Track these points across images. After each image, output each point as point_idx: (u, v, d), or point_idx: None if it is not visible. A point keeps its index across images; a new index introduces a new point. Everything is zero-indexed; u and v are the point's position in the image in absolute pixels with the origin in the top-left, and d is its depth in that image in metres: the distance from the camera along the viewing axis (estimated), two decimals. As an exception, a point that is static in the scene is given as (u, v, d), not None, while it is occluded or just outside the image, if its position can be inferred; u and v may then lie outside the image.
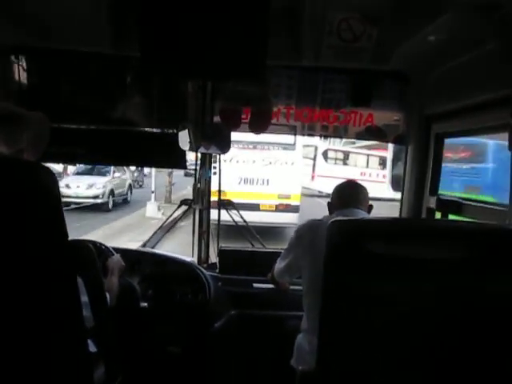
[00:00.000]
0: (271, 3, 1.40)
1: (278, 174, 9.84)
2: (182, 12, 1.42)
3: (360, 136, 2.49)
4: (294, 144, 9.81)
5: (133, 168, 17.58)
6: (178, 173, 16.06)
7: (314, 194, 16.18)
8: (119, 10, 1.77)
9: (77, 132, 2.39)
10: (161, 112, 2.43)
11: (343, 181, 2.12)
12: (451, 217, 1.94)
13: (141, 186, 20.26)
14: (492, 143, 8.58)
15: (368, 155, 17.91)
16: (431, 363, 1.07)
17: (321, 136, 2.61)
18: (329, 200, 2.06)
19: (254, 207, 9.25)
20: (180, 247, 2.86)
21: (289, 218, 9.75)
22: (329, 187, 2.24)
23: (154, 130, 2.50)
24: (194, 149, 2.29)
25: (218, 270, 2.68)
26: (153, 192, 13.64)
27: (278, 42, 1.57)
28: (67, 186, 12.79)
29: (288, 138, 9.04)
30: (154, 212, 12.63)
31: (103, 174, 14.47)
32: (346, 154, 18.05)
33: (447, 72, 1.90)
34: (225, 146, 2.31)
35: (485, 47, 1.57)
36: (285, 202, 9.88)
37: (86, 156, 2.49)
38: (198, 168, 2.75)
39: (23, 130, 1.30)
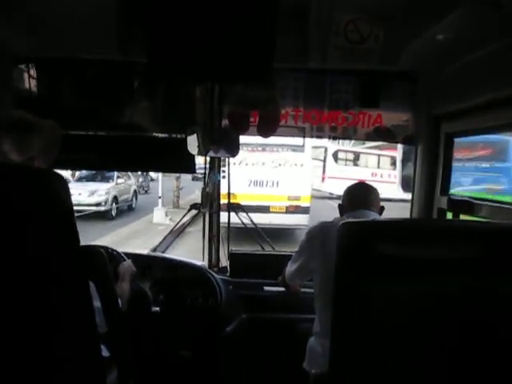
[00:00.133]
0: (278, 6, 1.40)
1: (288, 175, 9.84)
2: (189, 16, 1.42)
3: (369, 137, 2.48)
4: (303, 145, 9.81)
5: (138, 173, 17.42)
6: (186, 177, 15.78)
7: (325, 196, 16.04)
8: (126, 15, 1.78)
9: (87, 139, 2.41)
10: (169, 117, 2.44)
11: (354, 182, 2.11)
12: (463, 217, 1.92)
13: (146, 192, 20.01)
14: (515, 140, 8.25)
15: (379, 155, 17.71)
16: (444, 365, 1.07)
17: (329, 137, 2.60)
18: (340, 202, 2.05)
19: (264, 209, 9.28)
20: (189, 254, 2.86)
21: (299, 220, 9.76)
22: (339, 189, 2.24)
23: (163, 134, 2.51)
24: (202, 153, 2.29)
25: (228, 274, 2.68)
26: (160, 197, 13.46)
27: (285, 44, 1.57)
28: (68, 193, 12.65)
29: (297, 140, 9.05)
30: (161, 218, 12.56)
31: (106, 180, 14.11)
32: (357, 155, 17.86)
33: (456, 71, 1.89)
34: (234, 149, 2.31)
35: (493, 45, 1.55)
36: (295, 203, 9.88)
37: (96, 162, 2.51)
38: (207, 172, 2.76)
39: (34, 138, 1.31)
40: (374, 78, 2.27)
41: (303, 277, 2.14)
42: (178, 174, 14.01)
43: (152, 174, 19.85)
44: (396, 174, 16.45)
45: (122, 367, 1.66)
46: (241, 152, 2.43)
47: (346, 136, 2.55)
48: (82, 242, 1.08)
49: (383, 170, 17.26)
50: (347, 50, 1.88)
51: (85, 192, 12.71)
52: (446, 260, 1.04)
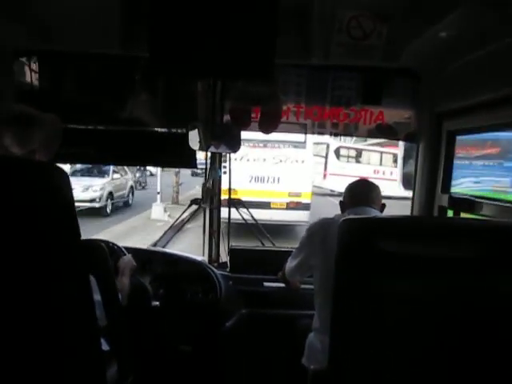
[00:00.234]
0: (280, 2, 1.40)
1: (289, 172, 9.84)
2: (191, 11, 1.42)
3: (370, 134, 2.47)
4: (305, 142, 9.78)
5: (135, 168, 17.04)
6: (185, 172, 15.52)
7: (326, 193, 15.95)
8: (128, 10, 1.78)
9: (88, 133, 2.42)
10: (170, 112, 2.44)
11: (356, 179, 2.11)
12: (463, 215, 1.92)
13: (144, 188, 19.63)
14: (526, 138, 8.17)
15: (381, 152, 17.55)
16: (443, 362, 1.07)
17: (331, 134, 2.60)
18: (341, 199, 2.05)
19: (265, 205, 9.29)
20: (188, 250, 2.86)
21: (299, 216, 9.76)
22: (341, 186, 2.23)
23: (164, 129, 2.51)
24: (204, 148, 2.29)
25: (228, 269, 2.69)
26: (158, 193, 13.21)
27: (288, 40, 1.57)
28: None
29: (298, 136, 9.01)
30: (159, 214, 12.30)
31: (101, 175, 13.51)
32: (359, 152, 17.69)
33: (458, 69, 1.89)
34: (235, 144, 2.31)
35: (495, 44, 1.55)
36: (295, 200, 9.89)
37: (97, 156, 2.51)
38: (208, 167, 2.76)
39: (35, 132, 1.31)
40: (376, 75, 2.27)
41: (303, 273, 2.14)
42: (177, 169, 13.85)
43: (151, 169, 19.58)
44: (399, 171, 16.44)
45: (122, 361, 1.67)
46: (242, 148, 2.43)
47: (347, 133, 2.55)
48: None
49: (385, 168, 17.08)
50: (350, 46, 1.88)
51: (79, 187, 11.78)
52: (446, 257, 1.04)
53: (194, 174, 22.54)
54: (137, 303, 1.99)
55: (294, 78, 2.39)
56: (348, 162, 17.17)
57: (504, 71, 1.55)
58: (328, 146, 16.70)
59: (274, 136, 9.12)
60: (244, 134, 2.30)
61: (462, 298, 1.05)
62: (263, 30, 1.44)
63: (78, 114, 2.34)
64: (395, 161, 16.89)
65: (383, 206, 1.98)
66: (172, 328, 2.30)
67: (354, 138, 17.35)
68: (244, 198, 3.47)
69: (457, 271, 1.04)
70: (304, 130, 2.51)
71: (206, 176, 2.81)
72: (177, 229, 3.30)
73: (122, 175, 14.92)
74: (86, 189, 12.42)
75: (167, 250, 2.84)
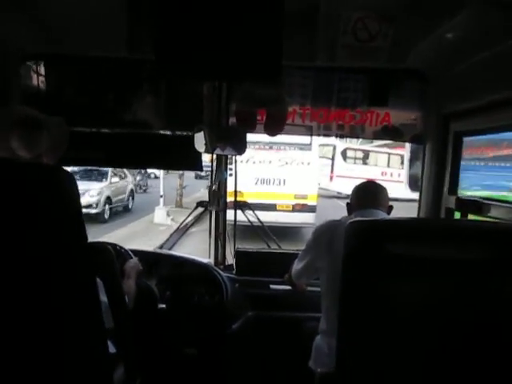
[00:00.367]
0: (286, 4, 1.40)
1: (295, 174, 9.84)
2: (197, 14, 1.43)
3: (377, 135, 2.46)
4: (310, 144, 9.79)
5: (135, 171, 16.59)
6: (188, 175, 15.32)
7: (333, 195, 15.81)
8: (134, 13, 1.79)
9: (94, 136, 2.43)
10: (176, 114, 2.45)
11: (363, 181, 2.10)
12: (471, 217, 1.91)
13: (145, 191, 19.26)
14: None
15: (389, 154, 17.24)
16: (451, 365, 1.06)
17: (336, 136, 2.59)
18: (348, 201, 2.04)
19: (271, 207, 9.30)
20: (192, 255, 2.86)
21: (305, 218, 9.77)
22: (348, 188, 2.21)
23: (170, 132, 2.52)
24: (209, 150, 2.30)
25: (234, 272, 2.69)
26: (161, 196, 12.95)
27: (294, 42, 1.57)
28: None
29: (304, 138, 9.04)
30: (162, 218, 12.02)
31: (98, 179, 12.77)
32: (366, 153, 17.44)
33: (465, 70, 1.87)
34: (241, 147, 2.31)
35: (502, 45, 1.54)
36: (301, 202, 9.89)
37: (104, 159, 2.52)
38: (213, 170, 2.76)
39: (42, 135, 1.32)
40: (382, 77, 2.26)
41: (310, 275, 2.13)
42: (181, 172, 13.69)
43: (155, 172, 19.37)
44: (405, 173, 16.22)
45: (129, 364, 1.67)
46: (248, 150, 2.43)
47: (353, 134, 2.55)
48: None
49: (393, 169, 16.79)
50: (356, 48, 1.87)
51: (75, 191, 11.54)
52: (454, 260, 1.04)
53: (197, 177, 22.39)
54: (143, 306, 1.99)
55: (300, 80, 2.39)
56: (355, 163, 16.94)
57: (511, 72, 1.54)
58: (335, 148, 16.49)
59: (279, 138, 9.06)
60: (250, 136, 2.30)
61: (469, 301, 1.04)
62: (269, 32, 1.44)
63: (85, 117, 2.35)
64: (403, 162, 16.64)
65: (390, 208, 1.97)
66: (178, 330, 2.30)
67: (360, 140, 17.25)
68: (250, 200, 3.46)
69: (464, 273, 1.04)
70: (310, 131, 2.51)
71: (211, 178, 2.81)
72: (183, 231, 3.30)
73: (121, 178, 14.37)
74: (82, 194, 11.13)
75: (173, 252, 2.84)
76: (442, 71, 2.04)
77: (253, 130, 2.11)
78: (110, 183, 13.23)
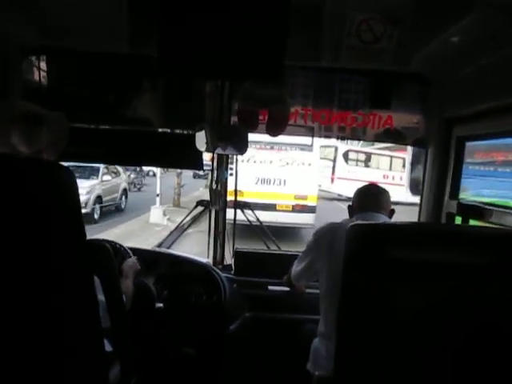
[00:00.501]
0: (291, 4, 1.39)
1: (295, 174, 9.85)
2: (200, 12, 1.42)
3: (379, 138, 2.46)
4: (312, 145, 9.81)
5: (129, 169, 16.15)
6: (186, 174, 15.03)
7: (334, 198, 15.74)
8: (137, 10, 1.78)
9: (94, 132, 2.42)
10: (178, 112, 2.44)
11: (364, 184, 2.09)
12: (472, 222, 1.90)
13: (139, 189, 18.74)
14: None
15: (391, 157, 17.13)
16: (450, 369, 1.06)
17: (337, 138, 2.59)
18: (349, 204, 2.03)
19: (271, 207, 9.32)
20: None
21: (305, 219, 9.79)
22: (349, 190, 2.21)
23: (171, 130, 2.51)
24: (210, 149, 2.29)
25: (233, 272, 2.68)
26: (158, 195, 12.49)
27: (297, 42, 1.56)
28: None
29: (305, 139, 9.06)
30: (158, 217, 11.62)
31: (88, 177, 11.93)
32: (368, 156, 17.33)
33: (469, 74, 1.87)
34: (242, 146, 2.30)
35: (507, 50, 1.53)
36: (301, 202, 9.90)
37: (103, 156, 2.52)
38: (214, 169, 2.75)
39: (43, 130, 1.31)
40: (385, 79, 2.25)
41: (309, 277, 2.12)
42: (179, 170, 13.52)
43: (154, 169, 18.65)
44: (406, 177, 16.01)
45: (125, 362, 1.66)
46: (249, 150, 2.43)
47: (355, 136, 2.54)
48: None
49: (395, 173, 16.70)
50: (360, 49, 1.87)
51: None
52: (454, 265, 1.03)
53: (196, 176, 22.21)
54: (140, 304, 1.98)
55: (303, 81, 2.38)
56: (357, 165, 16.84)
57: None
58: (336, 150, 16.41)
59: (280, 138, 9.10)
60: (251, 136, 2.29)
61: (469, 306, 1.04)
62: (273, 32, 1.44)
63: (85, 113, 2.34)
64: (405, 165, 16.55)
65: (392, 211, 1.97)
66: (175, 330, 2.29)
67: (361, 142, 17.20)
68: (250, 200, 3.46)
69: (464, 278, 1.03)
70: (311, 133, 2.50)
71: (212, 177, 2.80)
72: (182, 230, 3.29)
73: (114, 175, 13.69)
74: (71, 192, 11.39)
75: (172, 251, 2.83)
76: (446, 75, 2.03)
77: (254, 129, 2.10)
78: (102, 181, 12.58)
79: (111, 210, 13.27)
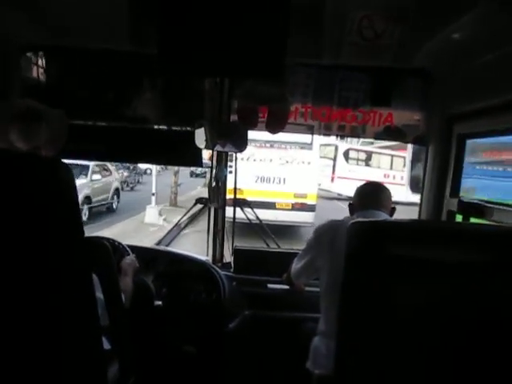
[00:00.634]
0: (291, 1, 1.38)
1: (295, 173, 9.87)
2: (200, 9, 1.41)
3: (379, 136, 2.44)
4: (311, 143, 9.81)
5: (122, 167, 15.77)
6: (182, 172, 14.74)
7: (334, 197, 15.64)
8: (137, 7, 1.77)
9: (93, 129, 2.41)
10: (177, 110, 2.43)
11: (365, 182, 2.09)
12: (473, 220, 1.89)
13: (132, 189, 18.29)
14: None
15: (392, 156, 16.97)
16: (451, 369, 1.05)
17: (337, 136, 2.58)
18: (350, 202, 2.03)
19: (270, 205, 9.34)
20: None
21: (304, 217, 9.81)
22: (349, 190, 2.20)
23: (171, 127, 2.50)
24: (210, 147, 2.28)
25: (232, 270, 2.67)
26: (153, 194, 12.19)
27: (298, 39, 1.55)
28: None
29: (305, 138, 9.05)
30: (154, 217, 11.31)
31: (76, 176, 10.10)
32: (369, 155, 17.18)
33: (471, 71, 1.86)
34: (241, 144, 2.29)
35: (509, 47, 1.52)
36: (301, 200, 9.91)
37: (103, 153, 2.51)
38: (213, 166, 2.74)
39: (41, 127, 1.30)
40: (387, 76, 2.24)
41: (309, 275, 2.12)
42: (176, 168, 13.38)
43: (151, 167, 18.38)
44: (407, 175, 15.82)
45: (124, 361, 1.66)
46: (248, 148, 2.42)
47: (355, 134, 2.53)
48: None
49: (396, 172, 16.54)
50: (361, 46, 1.86)
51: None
52: (455, 262, 1.03)
53: (192, 175, 22.03)
54: (139, 302, 1.98)
55: (303, 78, 2.37)
56: (357, 164, 16.69)
57: None
58: (337, 148, 16.28)
59: (280, 137, 9.16)
60: (251, 134, 2.28)
61: (470, 303, 1.04)
62: (274, 29, 1.43)
63: (85, 110, 2.33)
64: (406, 164, 16.39)
65: (393, 209, 1.96)
66: (174, 328, 2.28)
67: (361, 140, 17.12)
68: (249, 198, 3.46)
69: (465, 276, 1.03)
70: (311, 130, 2.49)
71: (211, 175, 2.80)
72: (180, 228, 3.29)
73: (107, 173, 13.19)
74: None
75: (171, 248, 2.83)
76: (448, 72, 2.02)
77: (254, 127, 2.10)
78: (91, 180, 12.06)
79: (102, 211, 12.73)
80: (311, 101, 2.39)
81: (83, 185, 11.37)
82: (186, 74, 2.13)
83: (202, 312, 2.33)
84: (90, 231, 8.82)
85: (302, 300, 2.39)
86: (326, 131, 2.51)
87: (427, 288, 1.04)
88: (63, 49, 2.21)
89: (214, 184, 2.77)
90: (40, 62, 2.29)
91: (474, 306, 1.03)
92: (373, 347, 1.07)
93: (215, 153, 2.65)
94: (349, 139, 16.65)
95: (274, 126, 2.04)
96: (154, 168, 13.27)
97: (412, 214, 2.83)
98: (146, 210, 11.76)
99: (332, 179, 16.27)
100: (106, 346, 1.56)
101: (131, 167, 18.80)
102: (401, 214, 1.98)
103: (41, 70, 2.30)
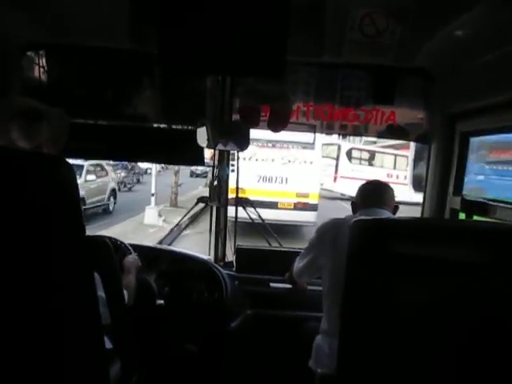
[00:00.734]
0: None
1: (297, 172, 9.86)
2: (201, 8, 1.41)
3: (382, 134, 2.44)
4: (313, 143, 9.80)
5: (119, 168, 15.48)
6: (182, 172, 14.49)
7: (336, 197, 15.45)
8: (138, 6, 1.77)
9: (95, 128, 2.41)
10: (179, 108, 2.43)
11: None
12: (476, 218, 1.89)
13: (130, 189, 17.84)
14: None
15: (395, 155, 16.75)
16: (454, 367, 1.05)
17: (339, 135, 2.58)
18: (353, 200, 2.02)
19: (272, 205, 9.33)
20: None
21: (307, 217, 9.80)
22: (352, 189, 2.18)
23: (172, 126, 2.50)
24: (211, 146, 2.28)
25: (234, 269, 2.67)
26: (153, 194, 11.89)
27: (299, 37, 1.55)
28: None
29: (307, 137, 9.04)
30: (153, 218, 11.04)
31: None
32: (372, 154, 16.95)
33: (473, 69, 1.85)
34: (243, 143, 2.29)
35: (511, 44, 1.51)
36: (303, 200, 9.90)
37: (104, 152, 2.51)
38: (215, 165, 2.74)
39: (42, 126, 1.30)
40: (388, 74, 2.23)
41: (312, 274, 2.11)
42: (176, 168, 13.24)
43: (145, 167, 18.40)
44: (409, 174, 15.56)
45: (126, 359, 1.66)
46: (250, 147, 2.42)
47: (357, 133, 2.52)
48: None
49: (399, 171, 16.28)
50: (363, 44, 1.85)
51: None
52: (459, 260, 1.02)
53: (192, 175, 21.82)
54: (141, 301, 1.98)
55: (305, 77, 2.37)
56: (360, 164, 16.45)
57: None
58: (339, 148, 16.07)
59: (282, 136, 9.16)
60: (253, 134, 2.28)
61: (474, 301, 1.03)
62: (275, 27, 1.43)
63: (86, 109, 2.33)
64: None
65: (396, 207, 1.95)
66: (177, 327, 2.28)
67: (363, 140, 17.02)
68: (251, 198, 3.45)
69: (468, 274, 1.02)
70: (313, 129, 2.49)
71: (213, 174, 2.80)
72: (182, 228, 3.29)
73: (101, 174, 12.76)
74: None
75: (173, 247, 2.83)
76: (450, 70, 2.01)
77: (256, 125, 2.10)
78: (85, 181, 11.67)
79: (97, 213, 12.29)
80: (313, 99, 2.38)
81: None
82: (187, 73, 2.13)
83: (204, 311, 2.33)
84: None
85: (304, 299, 2.38)
86: (328, 130, 2.50)
87: (430, 286, 1.04)
88: (64, 47, 2.21)
89: (215, 183, 2.76)
90: (41, 61, 2.28)
91: (477, 304, 1.03)
92: (376, 346, 1.07)
93: (217, 152, 2.65)
94: (351, 138, 16.61)
95: (276, 124, 2.04)
96: (154, 168, 13.00)
97: (417, 215, 2.81)
98: (145, 210, 11.52)
99: (335, 179, 16.07)
100: (108, 345, 1.56)
101: (129, 167, 18.51)
102: (405, 215, 1.98)
103: (42, 69, 2.29)
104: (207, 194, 2.86)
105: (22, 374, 1.01)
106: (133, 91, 2.37)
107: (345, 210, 2.16)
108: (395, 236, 1.07)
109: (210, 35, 1.43)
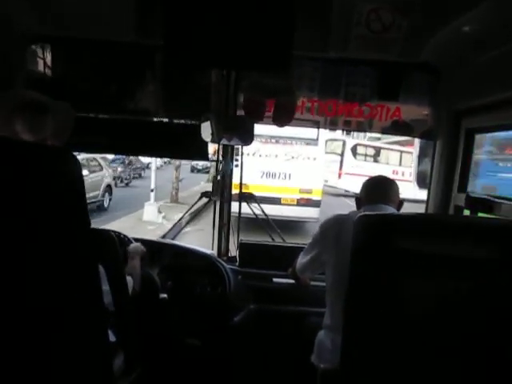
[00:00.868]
0: None
1: (300, 168, 9.84)
2: (207, 1, 1.40)
3: (387, 130, 2.43)
4: (317, 139, 9.80)
5: (115, 162, 15.35)
6: (183, 167, 14.27)
7: (340, 194, 15.30)
8: None
9: (99, 122, 2.41)
10: (183, 103, 2.42)
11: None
12: (480, 215, 1.88)
13: (127, 185, 17.38)
14: None
15: (401, 152, 16.48)
16: (457, 362, 1.05)
17: (343, 130, 2.57)
18: (357, 195, 2.02)
19: (276, 201, 9.32)
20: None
21: (310, 213, 9.80)
22: (357, 186, 2.16)
23: (177, 120, 2.50)
24: (216, 140, 2.27)
25: (237, 264, 2.67)
26: (152, 190, 11.47)
27: (305, 32, 1.55)
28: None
29: (311, 133, 9.04)
30: (153, 215, 10.64)
31: None
32: (377, 150, 16.66)
33: (480, 65, 1.84)
34: (247, 138, 2.28)
35: None
36: (306, 196, 9.90)
37: (108, 146, 2.50)
38: (219, 160, 2.74)
39: (47, 119, 1.30)
40: (394, 70, 2.21)
41: (315, 269, 2.11)
42: (177, 163, 13.10)
43: (147, 161, 17.91)
44: (414, 171, 15.39)
45: (129, 353, 1.67)
46: (254, 143, 2.41)
47: (362, 129, 2.51)
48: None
49: (405, 168, 16.01)
50: (368, 39, 1.84)
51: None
52: (463, 256, 1.02)
53: (193, 170, 21.56)
54: (145, 294, 1.98)
55: (310, 71, 2.36)
56: (365, 160, 16.16)
57: None
58: (344, 144, 15.87)
59: (286, 132, 9.15)
60: (257, 130, 2.27)
61: (478, 297, 1.04)
62: (281, 22, 1.42)
63: (91, 103, 2.33)
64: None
65: (401, 203, 1.94)
66: (179, 321, 2.29)
67: (368, 136, 16.92)
68: (255, 193, 3.45)
69: (473, 270, 1.03)
70: (318, 124, 2.48)
71: (216, 169, 2.80)
72: (185, 222, 3.29)
73: (95, 169, 12.30)
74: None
75: (176, 242, 2.83)
76: (456, 66, 2.00)
77: (260, 120, 2.09)
78: None
79: (91, 209, 11.46)
80: (317, 95, 2.37)
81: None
82: (192, 66, 2.12)
83: (207, 305, 2.34)
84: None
85: (307, 294, 2.39)
86: (332, 126, 2.50)
87: (434, 282, 1.04)
88: (68, 40, 2.20)
89: (219, 178, 2.76)
90: (45, 54, 2.28)
91: (481, 300, 1.03)
92: (379, 341, 1.07)
93: (221, 147, 2.65)
94: (355, 135, 16.47)
95: (282, 119, 2.04)
96: (154, 162, 12.67)
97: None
98: (145, 207, 11.11)
99: (339, 175, 15.85)
100: (112, 338, 1.57)
101: (126, 162, 18.04)
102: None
103: (46, 62, 2.29)
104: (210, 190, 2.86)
105: (26, 366, 1.01)
106: (137, 85, 2.36)
107: (349, 207, 2.15)
108: (400, 231, 1.07)
109: (216, 28, 1.42)
